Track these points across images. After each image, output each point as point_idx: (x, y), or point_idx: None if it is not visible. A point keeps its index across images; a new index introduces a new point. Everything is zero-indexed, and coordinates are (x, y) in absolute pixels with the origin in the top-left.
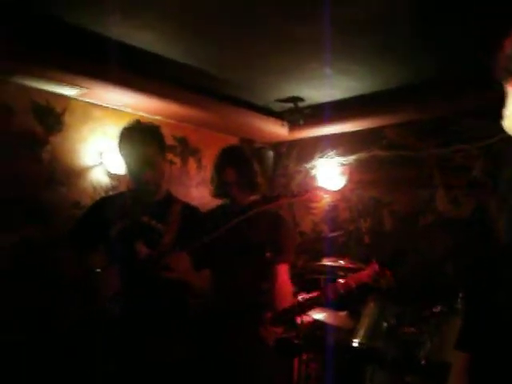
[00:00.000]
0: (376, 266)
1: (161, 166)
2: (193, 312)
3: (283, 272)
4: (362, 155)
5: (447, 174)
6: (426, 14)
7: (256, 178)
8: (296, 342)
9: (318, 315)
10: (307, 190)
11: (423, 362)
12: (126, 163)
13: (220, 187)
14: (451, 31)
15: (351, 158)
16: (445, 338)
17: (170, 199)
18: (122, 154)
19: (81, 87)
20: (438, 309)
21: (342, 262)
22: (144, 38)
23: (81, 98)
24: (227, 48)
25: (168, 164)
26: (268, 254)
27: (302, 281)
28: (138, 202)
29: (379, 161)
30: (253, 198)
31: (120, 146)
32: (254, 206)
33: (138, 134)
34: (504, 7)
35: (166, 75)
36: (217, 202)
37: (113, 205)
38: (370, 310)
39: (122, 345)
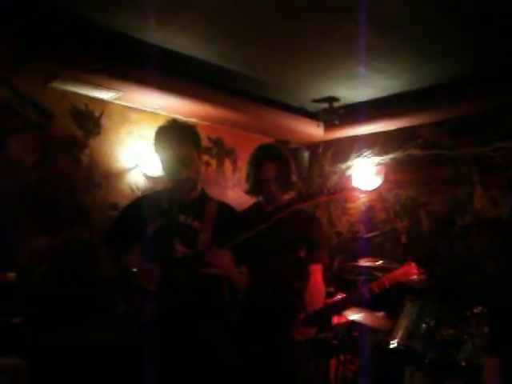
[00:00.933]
0: (413, 265)
1: (197, 164)
2: (231, 309)
3: (316, 272)
4: (398, 155)
5: (485, 174)
6: (461, 12)
7: (292, 176)
8: (333, 342)
9: (355, 316)
10: (343, 187)
11: (463, 364)
12: (163, 162)
13: (257, 183)
14: (488, 29)
15: (387, 158)
16: (486, 339)
17: (205, 198)
18: (158, 153)
19: (117, 91)
20: (478, 309)
21: (378, 262)
22: (179, 41)
23: (117, 102)
24: (262, 49)
25: (204, 165)
26: (302, 253)
27: (338, 281)
28: (174, 201)
29: (415, 160)
30: (288, 196)
31: (156, 145)
32: (292, 203)
33: (174, 133)
34: None
35: (201, 77)
36: (253, 201)
37: (149, 204)
38: (408, 310)
39: (163, 346)
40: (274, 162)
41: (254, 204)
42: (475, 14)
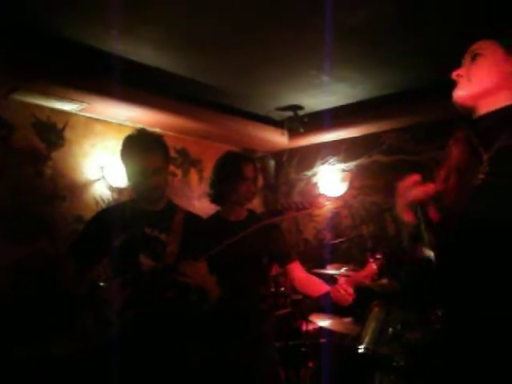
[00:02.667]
0: (373, 266)
1: (165, 174)
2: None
3: (295, 269)
4: (363, 161)
5: None
6: (422, 21)
7: (259, 182)
8: (302, 349)
9: (323, 322)
10: (311, 202)
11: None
12: (130, 171)
13: (230, 186)
14: (447, 37)
15: (352, 164)
16: None
17: (172, 208)
18: (125, 162)
19: (81, 102)
20: (441, 312)
21: (344, 268)
22: (144, 53)
23: (81, 113)
24: (226, 59)
25: (170, 175)
26: (264, 260)
27: None
28: (140, 212)
29: (380, 166)
30: (248, 208)
31: (124, 154)
32: (261, 220)
33: (143, 141)
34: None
35: (165, 88)
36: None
37: (114, 216)
38: (374, 315)
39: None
40: (252, 164)
41: (215, 214)
42: (434, 23)
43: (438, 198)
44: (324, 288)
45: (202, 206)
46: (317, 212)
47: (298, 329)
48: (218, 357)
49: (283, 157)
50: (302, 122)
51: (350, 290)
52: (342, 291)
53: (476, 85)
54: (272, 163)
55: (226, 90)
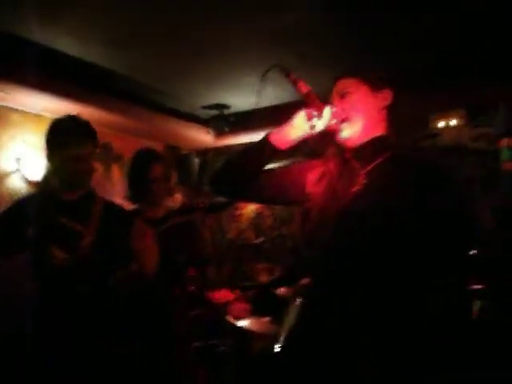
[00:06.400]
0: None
1: (93, 161)
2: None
3: (209, 273)
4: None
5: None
6: (345, 25)
7: (172, 181)
8: (221, 349)
9: (242, 322)
10: (224, 202)
11: None
12: (57, 156)
13: (141, 187)
14: (372, 37)
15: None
16: None
17: (91, 197)
18: (51, 146)
19: None
20: None
21: (265, 267)
22: (64, 42)
23: None
24: (152, 54)
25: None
26: (179, 260)
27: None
28: (56, 202)
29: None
30: (170, 201)
31: (51, 138)
32: (171, 217)
33: (74, 126)
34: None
35: (88, 80)
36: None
37: (29, 206)
38: (291, 313)
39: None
40: (161, 163)
41: (134, 211)
42: (360, 26)
43: (307, 196)
44: (229, 297)
45: (124, 202)
46: (240, 212)
47: (216, 328)
48: (129, 356)
49: (208, 155)
50: (227, 121)
51: (246, 306)
52: (237, 310)
53: (355, 124)
54: (196, 161)
55: (151, 86)
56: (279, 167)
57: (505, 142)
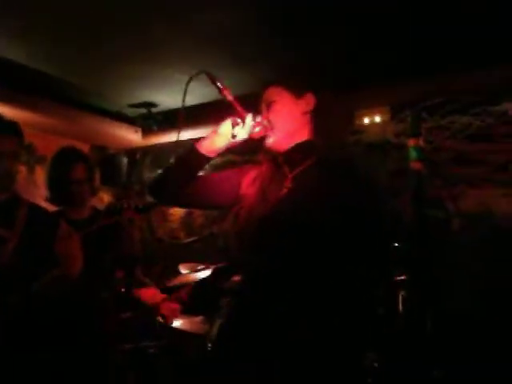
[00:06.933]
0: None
1: (18, 161)
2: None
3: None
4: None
5: None
6: (269, 29)
7: (96, 181)
8: (151, 351)
9: (176, 323)
10: (153, 203)
11: None
12: None
13: (63, 188)
14: (288, 43)
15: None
16: None
17: (15, 201)
18: None
19: None
20: None
21: (198, 267)
22: None
23: None
24: (76, 51)
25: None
26: (106, 261)
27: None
28: None
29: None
30: (93, 201)
31: None
32: (97, 218)
33: None
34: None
35: (6, 77)
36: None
37: None
38: (223, 312)
39: None
40: (84, 163)
41: (57, 212)
42: (284, 26)
43: (241, 197)
44: (158, 297)
45: (49, 206)
46: (170, 211)
47: (147, 330)
48: (53, 359)
49: (136, 154)
50: (155, 119)
51: (176, 306)
52: (167, 310)
53: (279, 131)
54: (124, 161)
55: (74, 84)
56: (214, 173)
57: (412, 142)
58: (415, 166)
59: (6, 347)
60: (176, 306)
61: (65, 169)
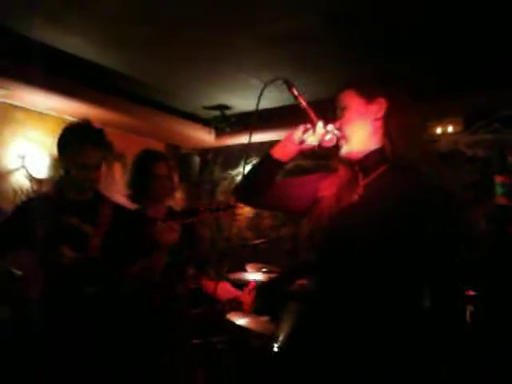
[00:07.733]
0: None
1: (103, 168)
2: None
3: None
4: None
5: None
6: (337, 34)
7: (175, 179)
8: (219, 347)
9: (241, 321)
10: (229, 203)
11: None
12: (69, 162)
13: (144, 185)
14: (368, 47)
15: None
16: None
17: (99, 198)
18: (64, 153)
19: (1, 88)
20: None
21: (263, 269)
22: (70, 42)
23: (1, 100)
24: (155, 54)
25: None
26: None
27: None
28: (66, 203)
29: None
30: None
31: (65, 144)
32: (174, 217)
33: (89, 134)
34: None
35: (91, 79)
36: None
37: (38, 206)
38: (290, 314)
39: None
40: (166, 161)
41: (136, 211)
42: (349, 34)
43: (317, 202)
44: (232, 292)
45: (125, 201)
46: (239, 211)
47: (215, 326)
48: (131, 356)
49: (208, 155)
50: (228, 121)
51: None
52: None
53: (351, 140)
54: (197, 160)
55: (153, 86)
56: (294, 178)
57: (499, 178)
58: (501, 200)
59: (84, 339)
60: (252, 299)
61: (149, 165)
